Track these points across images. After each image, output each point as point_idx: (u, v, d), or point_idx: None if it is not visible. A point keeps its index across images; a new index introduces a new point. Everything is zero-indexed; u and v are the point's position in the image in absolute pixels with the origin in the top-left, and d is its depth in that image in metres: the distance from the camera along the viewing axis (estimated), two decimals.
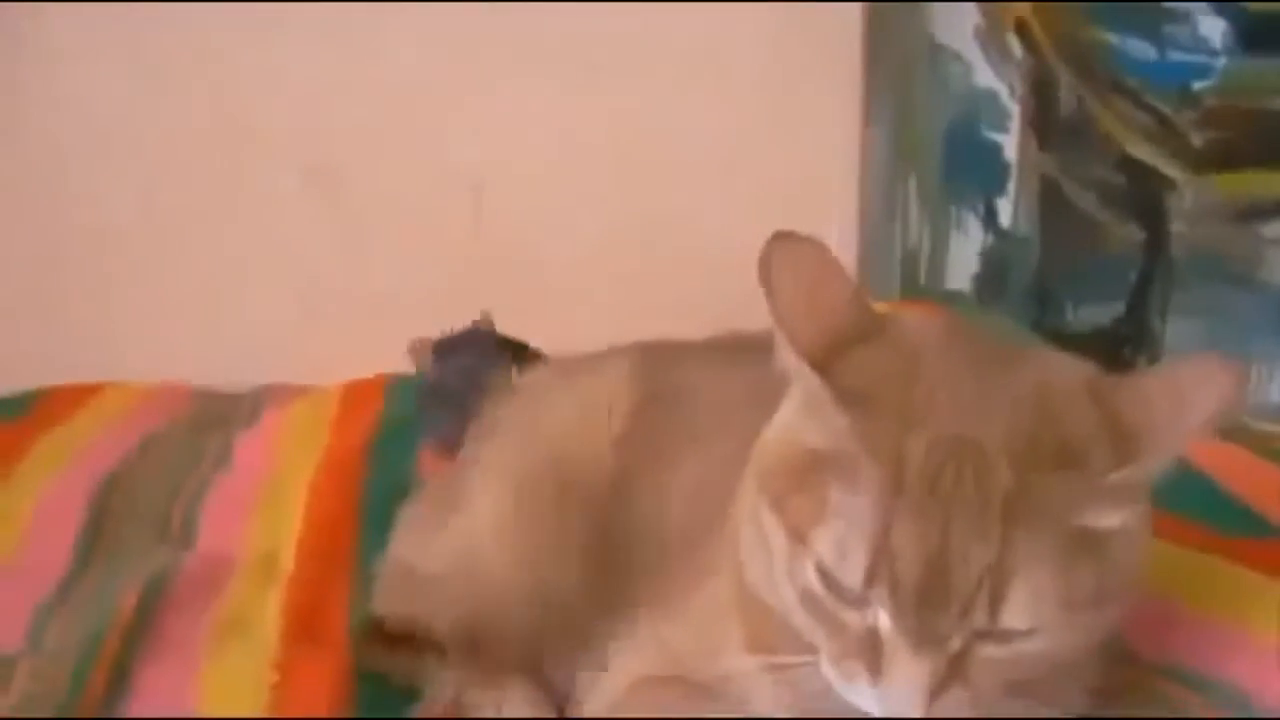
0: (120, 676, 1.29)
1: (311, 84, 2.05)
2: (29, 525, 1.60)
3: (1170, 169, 2.20)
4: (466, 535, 1.26)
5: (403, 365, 1.97)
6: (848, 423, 0.90)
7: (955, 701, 0.90)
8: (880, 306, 2.02)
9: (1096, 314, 2.28)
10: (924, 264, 2.33)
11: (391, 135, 2.09)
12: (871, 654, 0.91)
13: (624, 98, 2.12)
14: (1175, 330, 2.25)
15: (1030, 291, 2.31)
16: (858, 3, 2.11)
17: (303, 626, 1.34)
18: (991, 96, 2.27)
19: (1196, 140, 2.18)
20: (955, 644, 0.89)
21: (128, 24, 2.00)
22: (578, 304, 2.04)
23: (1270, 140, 2.17)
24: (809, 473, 0.93)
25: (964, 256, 2.31)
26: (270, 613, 1.38)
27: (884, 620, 0.90)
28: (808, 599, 0.93)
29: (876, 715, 0.92)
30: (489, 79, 2.10)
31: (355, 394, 1.92)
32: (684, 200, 2.16)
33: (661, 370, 1.32)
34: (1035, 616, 0.88)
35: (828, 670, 0.94)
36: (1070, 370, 0.97)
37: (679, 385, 1.29)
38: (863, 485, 0.90)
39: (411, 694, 1.26)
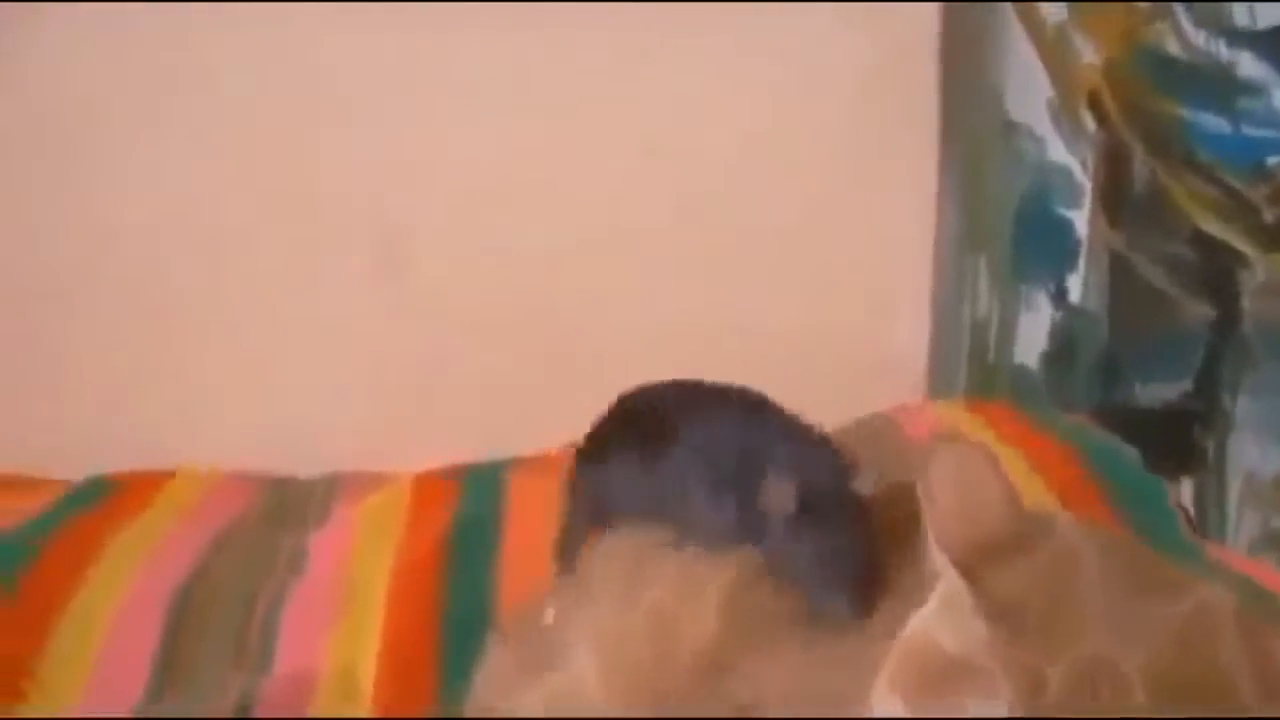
0: None
1: (382, 162, 2.02)
2: (102, 652, 1.56)
3: (1242, 244, 2.20)
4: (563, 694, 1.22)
5: (471, 453, 1.96)
6: (988, 636, 0.89)
7: None
8: (953, 406, 2.06)
9: (1165, 391, 2.29)
10: (993, 340, 2.32)
11: (462, 213, 2.06)
12: None
13: (692, 176, 2.09)
14: (1245, 408, 2.25)
15: (1098, 368, 2.31)
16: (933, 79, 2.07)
17: None
18: (1064, 171, 2.27)
19: (1269, 216, 2.18)
20: None
21: (197, 99, 1.98)
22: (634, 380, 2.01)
23: None
24: (944, 680, 0.92)
25: (1033, 333, 2.31)
26: None
27: None
28: None
29: None
30: (555, 156, 2.07)
31: (428, 487, 1.90)
32: (755, 276, 2.14)
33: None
34: None
35: None
36: (1221, 600, 0.94)
37: None
38: (995, 702, 0.88)
39: None
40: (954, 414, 2.01)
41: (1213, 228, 2.23)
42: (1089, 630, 0.89)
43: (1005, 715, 0.87)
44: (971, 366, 2.31)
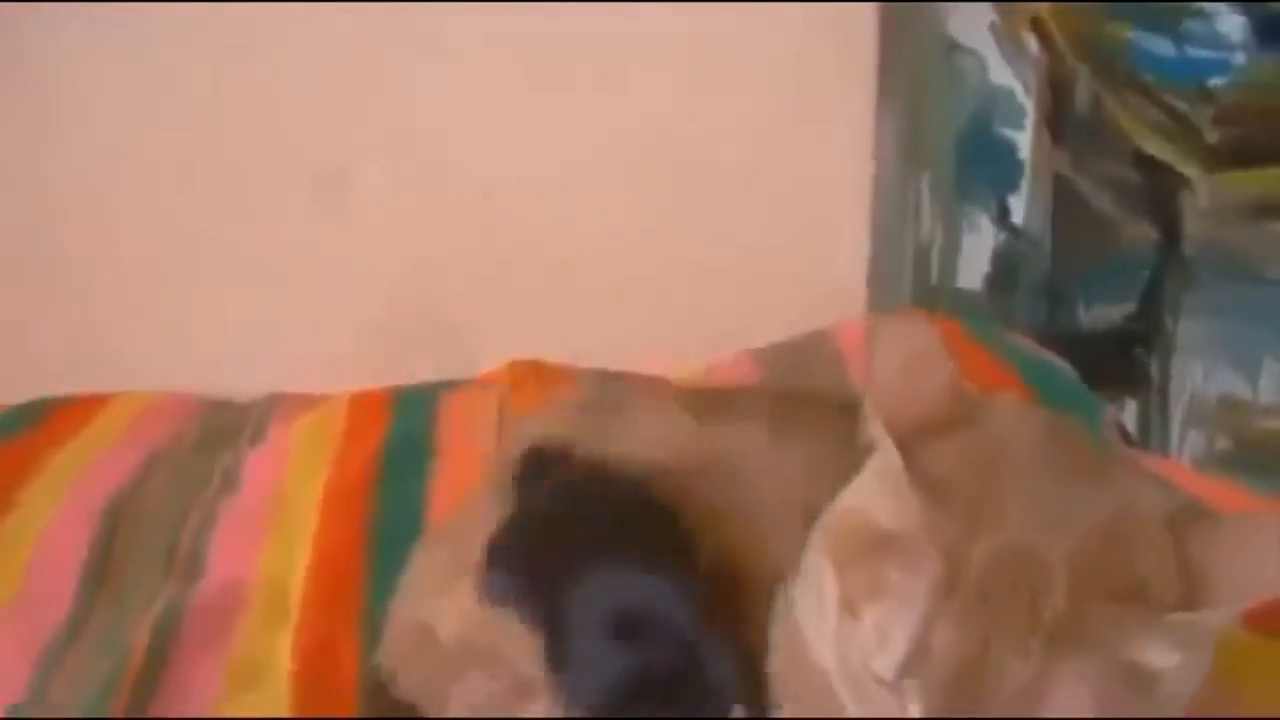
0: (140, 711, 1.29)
1: (321, 90, 2.02)
2: (33, 557, 1.57)
3: (1185, 166, 2.19)
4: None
5: (411, 376, 1.96)
6: (918, 509, 0.90)
7: None
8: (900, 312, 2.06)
9: (1109, 313, 2.27)
10: (936, 262, 2.31)
11: (401, 141, 2.06)
12: None
13: (633, 100, 2.10)
14: (1188, 329, 2.24)
15: (1042, 290, 2.30)
16: (873, 2, 2.07)
17: (314, 674, 1.33)
18: (1007, 94, 2.25)
19: (1212, 137, 2.17)
20: None
21: (135, 27, 1.97)
22: (587, 309, 2.02)
23: None
24: (872, 549, 0.92)
25: (976, 255, 2.30)
26: (281, 657, 1.37)
27: (913, 712, 0.89)
28: (847, 671, 0.93)
29: None
30: (498, 83, 2.07)
31: (362, 408, 1.89)
32: (695, 202, 2.15)
33: (711, 434, 1.30)
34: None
35: None
36: (1155, 498, 0.93)
37: (731, 457, 1.27)
38: (918, 576, 0.89)
39: None
40: None
41: (1156, 149, 2.21)
42: (1017, 515, 0.89)
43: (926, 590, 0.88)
44: (916, 289, 2.30)
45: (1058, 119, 2.23)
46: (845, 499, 0.99)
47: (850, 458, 1.07)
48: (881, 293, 2.24)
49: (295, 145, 2.04)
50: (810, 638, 1.00)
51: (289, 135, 2.03)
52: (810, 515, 1.09)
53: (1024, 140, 2.25)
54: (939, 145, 2.27)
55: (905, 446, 0.91)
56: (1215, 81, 2.15)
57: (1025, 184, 2.27)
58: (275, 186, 2.05)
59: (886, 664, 0.89)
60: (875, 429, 0.93)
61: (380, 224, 2.08)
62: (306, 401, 1.95)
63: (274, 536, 1.62)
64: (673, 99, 2.09)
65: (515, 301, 2.10)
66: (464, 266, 2.11)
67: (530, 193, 2.08)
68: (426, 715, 1.20)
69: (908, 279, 2.30)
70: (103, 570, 1.57)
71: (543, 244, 2.12)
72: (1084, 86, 2.21)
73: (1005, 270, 2.31)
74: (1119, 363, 2.27)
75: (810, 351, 1.97)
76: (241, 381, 2.01)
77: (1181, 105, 2.17)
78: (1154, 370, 2.28)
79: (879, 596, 0.90)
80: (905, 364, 0.94)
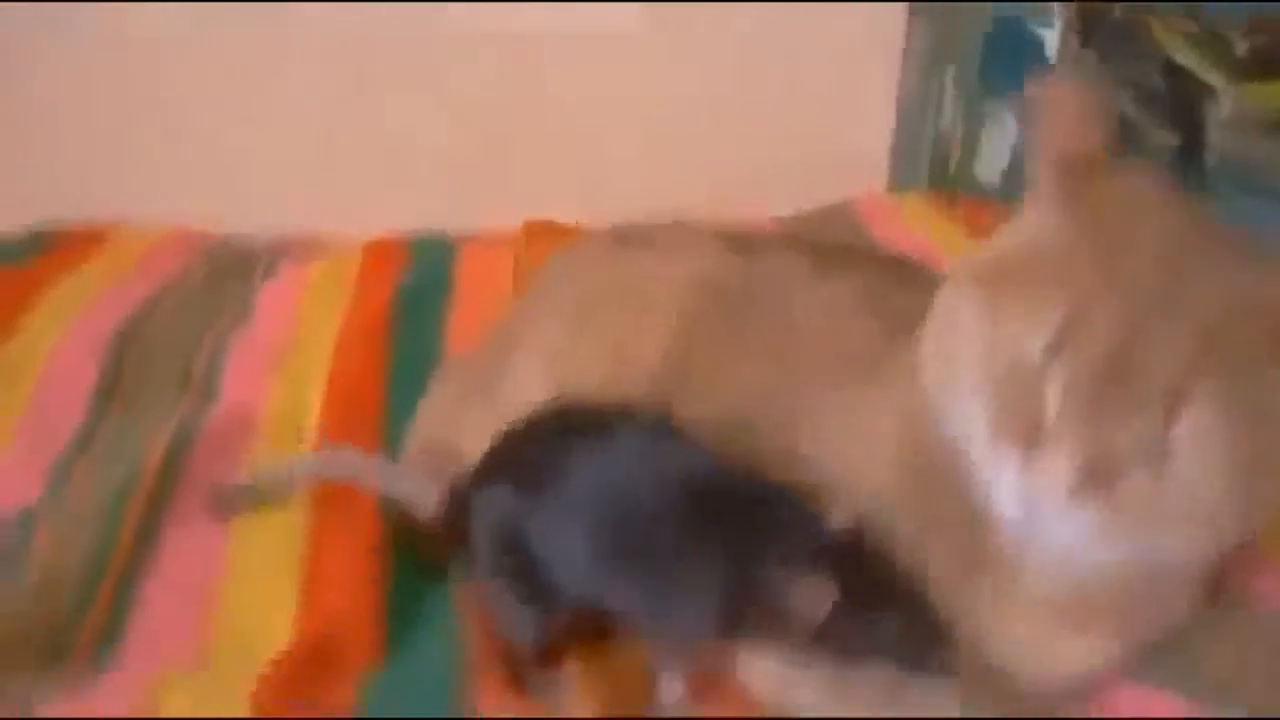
0: (147, 532, 1.27)
1: None
2: (42, 377, 1.54)
3: (1212, 76, 2.18)
4: (503, 420, 1.16)
5: (422, 220, 1.93)
6: (1075, 221, 0.93)
7: (1093, 508, 0.89)
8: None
9: None
10: (955, 155, 2.29)
11: None
12: (1030, 432, 0.89)
13: None
14: None
15: None
16: None
17: (332, 495, 1.29)
18: None
19: (1240, 48, 2.16)
20: (1117, 443, 0.88)
21: None
22: (608, 178, 1.99)
23: None
24: (1022, 264, 0.94)
25: (996, 150, 2.29)
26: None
27: (1055, 399, 0.89)
28: (988, 375, 0.93)
29: (1009, 512, 0.92)
30: None
31: (378, 252, 1.87)
32: (726, 77, 2.12)
33: (750, 264, 1.27)
34: (1199, 445, 0.87)
35: (980, 456, 0.93)
36: None
37: (773, 284, 1.24)
38: (1071, 269, 0.90)
39: (441, 572, 1.21)
40: (917, 205, 2.00)
41: (1183, 57, 2.21)
42: (1172, 239, 0.92)
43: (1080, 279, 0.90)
44: (933, 177, 2.28)
45: (1088, 20, 2.21)
46: (985, 248, 1.01)
47: (908, 297, 1.06)
48: (901, 178, 2.22)
49: None
50: (936, 382, 0.99)
51: None
52: (862, 344, 1.08)
53: (1052, 39, 2.22)
54: (968, 38, 2.25)
55: (1066, 174, 0.95)
56: None
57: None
58: (289, 28, 1.99)
59: (1036, 341, 0.90)
60: (1038, 166, 0.97)
61: (394, 69, 2.02)
62: (319, 242, 1.92)
63: (289, 367, 1.59)
64: None
65: (533, 162, 2.06)
66: (484, 122, 2.07)
67: (558, 54, 2.04)
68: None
69: (924, 168, 2.28)
70: (113, 390, 1.54)
71: (566, 106, 2.08)
72: None
73: (1023, 167, 2.29)
74: None
75: (833, 219, 1.95)
76: (252, 222, 1.97)
77: (1211, 14, 2.16)
78: None
79: (1028, 294, 0.92)
80: (1064, 119, 0.97)
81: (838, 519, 0.99)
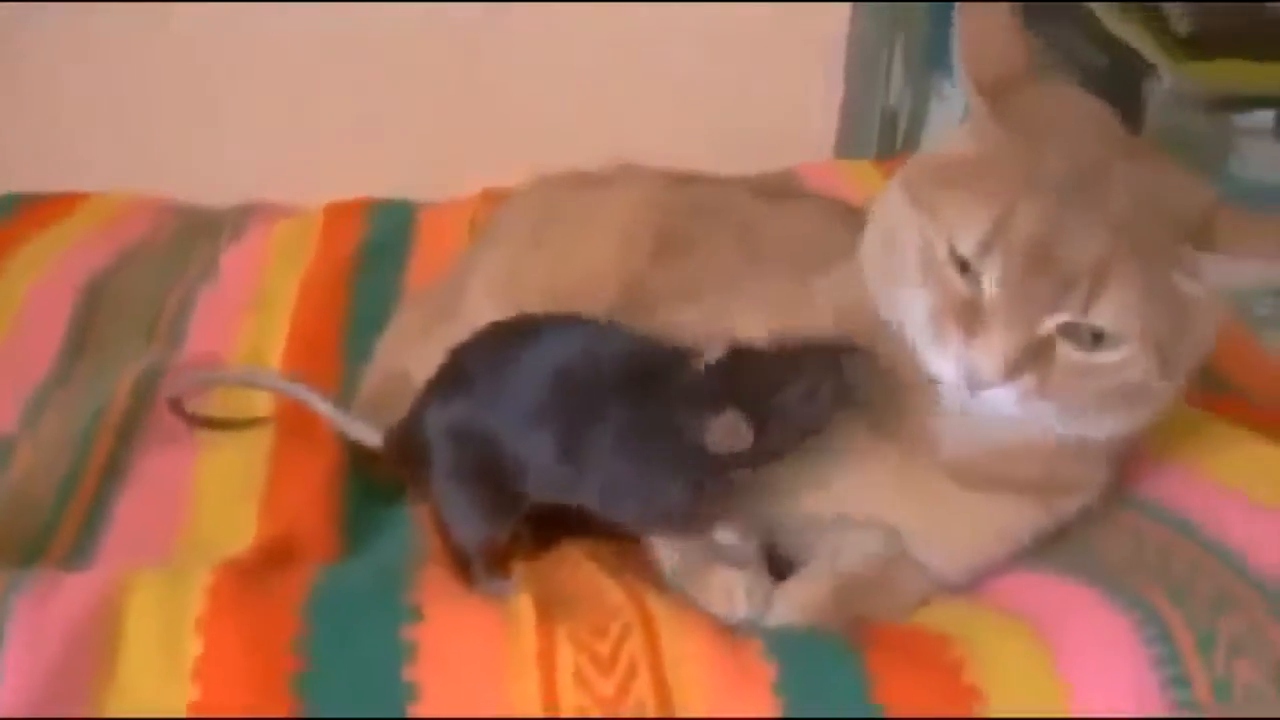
0: (118, 458, 1.32)
1: None
2: (17, 320, 1.59)
3: (1152, 54, 2.22)
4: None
5: (386, 190, 1.99)
6: (1002, 132, 1.03)
7: (1027, 385, 1.01)
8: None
9: None
10: (902, 126, 2.34)
11: None
12: (969, 317, 1.01)
13: None
14: None
15: None
16: None
17: (293, 426, 1.35)
18: None
19: (1180, 27, 2.21)
20: (1046, 326, 0.99)
21: None
22: (561, 149, 2.04)
23: (1252, 32, 2.20)
24: (957, 171, 1.05)
25: (942, 122, 2.32)
26: (261, 408, 1.40)
27: (989, 288, 1.01)
28: (926, 265, 1.04)
29: (949, 381, 1.04)
30: None
31: (340, 213, 1.92)
32: (674, 49, 2.18)
33: (679, 193, 1.35)
34: (1119, 324, 0.99)
35: (920, 330, 1.05)
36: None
37: (702, 207, 1.32)
38: (999, 174, 1.01)
39: (397, 494, 1.27)
40: (861, 170, 2.06)
41: (1125, 33, 2.25)
42: (1088, 141, 1.04)
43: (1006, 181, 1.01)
44: (881, 149, 2.33)
45: None
46: (920, 154, 1.13)
47: (841, 224, 1.16)
48: (849, 153, 2.27)
49: None
50: (874, 279, 1.10)
51: None
52: (797, 247, 1.16)
53: None
54: (914, 11, 2.30)
55: (988, 94, 1.06)
56: None
57: None
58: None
59: (970, 239, 1.01)
60: (966, 85, 1.06)
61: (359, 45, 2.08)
62: (284, 209, 1.97)
63: (252, 318, 1.65)
64: None
65: (490, 132, 2.12)
66: (443, 93, 2.13)
67: (509, 23, 2.10)
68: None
69: (873, 139, 2.33)
70: (84, 336, 1.60)
71: (522, 78, 2.14)
72: None
73: None
74: None
75: (777, 185, 2.01)
76: (215, 191, 2.02)
77: None
78: None
79: (960, 193, 1.03)
80: (986, 38, 1.08)
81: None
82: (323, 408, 1.29)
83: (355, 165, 2.03)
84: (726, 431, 1.06)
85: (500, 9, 2.10)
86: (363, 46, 2.12)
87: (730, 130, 2.11)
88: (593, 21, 2.15)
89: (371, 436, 1.24)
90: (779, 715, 0.95)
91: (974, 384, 1.01)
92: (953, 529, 1.12)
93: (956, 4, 1.14)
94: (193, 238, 1.87)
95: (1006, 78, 1.07)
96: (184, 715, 0.94)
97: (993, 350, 1.00)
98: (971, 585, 1.14)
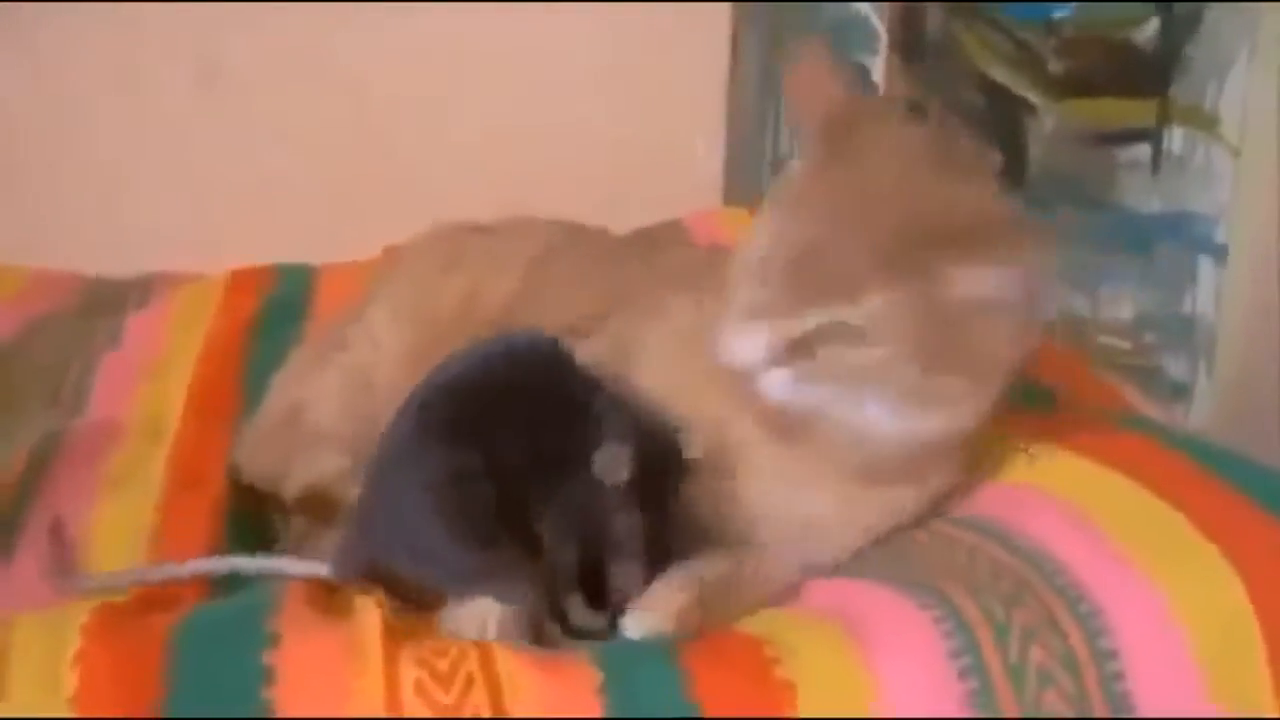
0: (12, 521, 1.38)
1: None
2: None
3: (1030, 94, 2.30)
4: (359, 367, 1.43)
5: (288, 255, 2.07)
6: (810, 163, 1.22)
7: (793, 373, 1.15)
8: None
9: None
10: None
11: (282, 35, 2.16)
12: (748, 313, 1.16)
13: (504, 9, 2.20)
14: None
15: None
16: None
17: (184, 476, 1.43)
18: (861, 19, 2.36)
19: (1055, 67, 2.29)
20: (807, 322, 1.14)
21: None
22: (456, 203, 2.12)
23: (1125, 69, 2.27)
24: (776, 193, 1.25)
25: None
26: (155, 467, 1.46)
27: (765, 288, 1.16)
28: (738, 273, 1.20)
29: (734, 365, 1.17)
30: None
31: (242, 279, 1.99)
32: (560, 106, 2.26)
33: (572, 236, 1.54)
34: (872, 323, 1.13)
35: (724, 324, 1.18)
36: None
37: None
38: (793, 196, 1.21)
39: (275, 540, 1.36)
40: (744, 218, 2.14)
41: (1002, 76, 2.33)
42: (870, 160, 1.20)
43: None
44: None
45: (909, 45, 2.34)
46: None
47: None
48: (737, 201, 2.35)
49: (179, 36, 2.12)
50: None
51: (173, 26, 2.12)
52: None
53: (877, 65, 2.36)
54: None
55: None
56: (1058, 14, 2.27)
57: None
58: (159, 75, 2.12)
59: (759, 249, 1.19)
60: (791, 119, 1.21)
61: (258, 115, 2.16)
62: (187, 276, 2.04)
63: (152, 381, 1.71)
64: (544, 10, 2.21)
65: (386, 190, 2.20)
66: (338, 156, 2.21)
67: (401, 89, 2.19)
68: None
69: (763, 188, 2.40)
70: None
71: (413, 137, 2.23)
72: (935, 15, 2.32)
73: None
74: None
75: (662, 236, 2.10)
76: (121, 265, 2.09)
77: (1027, 36, 2.29)
78: None
79: (769, 208, 1.22)
80: (813, 86, 1.26)
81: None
82: (256, 565, 1.28)
83: (261, 233, 2.12)
84: (608, 462, 1.16)
85: (393, 71, 2.19)
86: (270, 117, 2.20)
87: (622, 180, 2.20)
88: (484, 78, 2.25)
89: (319, 568, 1.25)
90: (603, 716, 1.02)
91: (746, 368, 1.16)
92: (836, 522, 1.25)
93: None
94: (98, 309, 1.93)
95: (844, 115, 1.22)
96: None
97: (758, 340, 1.15)
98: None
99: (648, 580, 1.18)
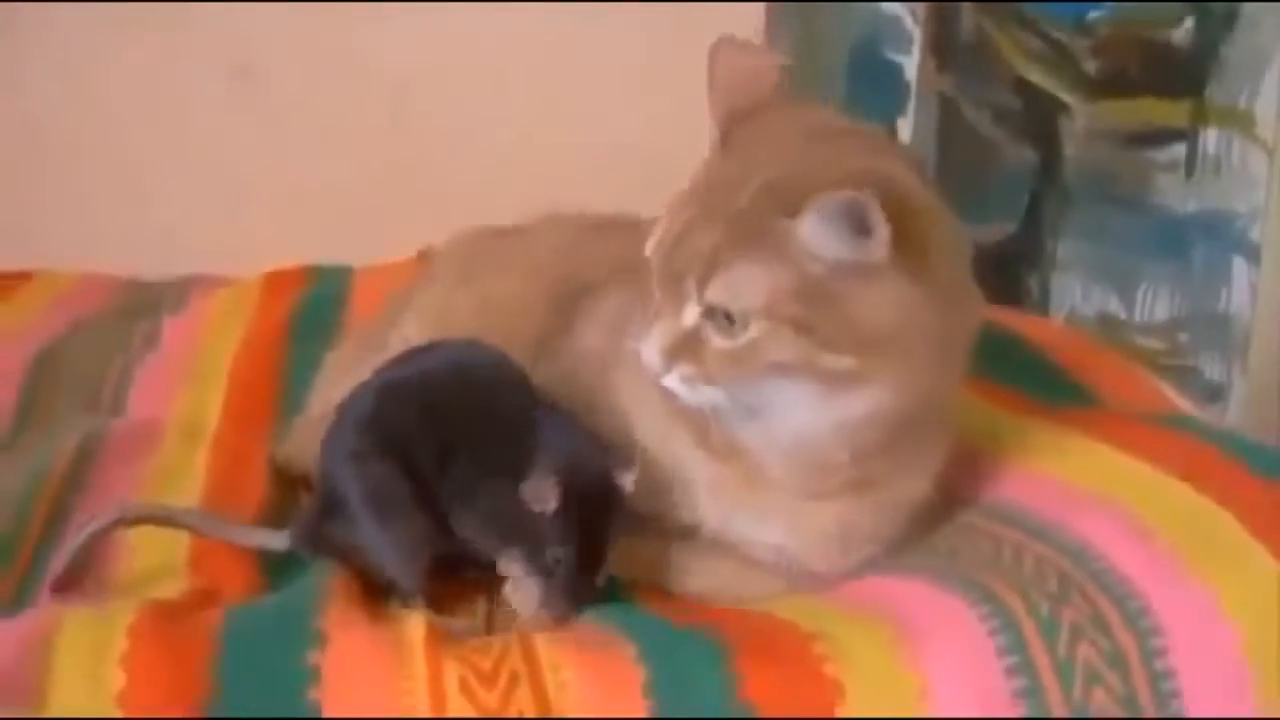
0: (58, 516, 1.38)
1: None
2: None
3: (1064, 94, 2.29)
4: None
5: (322, 257, 2.07)
6: (714, 154, 1.21)
7: (686, 372, 1.14)
8: None
9: (990, 232, 2.36)
10: None
11: (316, 37, 2.17)
12: (648, 318, 1.16)
13: (537, 10, 2.21)
14: (1066, 249, 2.35)
15: None
16: None
17: (224, 476, 1.44)
18: (894, 20, 2.35)
19: (1090, 68, 2.28)
20: (689, 316, 1.14)
21: None
22: (490, 205, 2.12)
23: (1158, 69, 2.28)
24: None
25: None
26: (195, 468, 1.47)
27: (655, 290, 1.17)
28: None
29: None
30: None
31: (277, 280, 2.00)
32: (592, 107, 2.27)
33: (584, 245, 1.50)
34: (735, 301, 1.11)
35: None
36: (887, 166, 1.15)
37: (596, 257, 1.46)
38: (686, 191, 1.19)
39: None
40: None
41: (1036, 77, 2.32)
42: (755, 152, 1.18)
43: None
44: None
45: (943, 45, 2.33)
46: None
47: None
48: None
49: (214, 38, 2.13)
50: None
51: (208, 28, 2.13)
52: None
53: (910, 65, 2.35)
54: (829, 67, 2.38)
55: (724, 127, 1.19)
56: (1093, 15, 2.27)
57: (911, 106, 2.36)
58: (194, 77, 2.13)
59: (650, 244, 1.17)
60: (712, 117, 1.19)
61: (294, 116, 2.17)
62: (223, 279, 2.05)
63: (190, 383, 1.72)
64: (574, 12, 2.21)
65: (420, 191, 2.21)
66: (373, 158, 2.21)
67: (436, 89, 2.20)
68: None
69: None
70: (31, 407, 1.67)
71: (447, 137, 2.24)
72: (968, 15, 2.31)
73: None
74: (1002, 282, 2.37)
75: None
76: (158, 268, 2.10)
77: (1061, 36, 2.28)
78: (1034, 289, 2.38)
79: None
80: (735, 73, 1.22)
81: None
82: (219, 531, 1.31)
83: (297, 235, 2.13)
84: (535, 492, 1.17)
85: (427, 72, 2.19)
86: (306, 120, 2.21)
87: (655, 181, 2.19)
88: (518, 79, 2.26)
89: (276, 539, 1.29)
90: (650, 717, 1.02)
91: (652, 373, 1.16)
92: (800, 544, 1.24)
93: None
94: (136, 312, 1.94)
95: (748, 107, 1.20)
96: None
97: (652, 343, 1.15)
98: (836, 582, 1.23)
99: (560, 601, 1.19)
